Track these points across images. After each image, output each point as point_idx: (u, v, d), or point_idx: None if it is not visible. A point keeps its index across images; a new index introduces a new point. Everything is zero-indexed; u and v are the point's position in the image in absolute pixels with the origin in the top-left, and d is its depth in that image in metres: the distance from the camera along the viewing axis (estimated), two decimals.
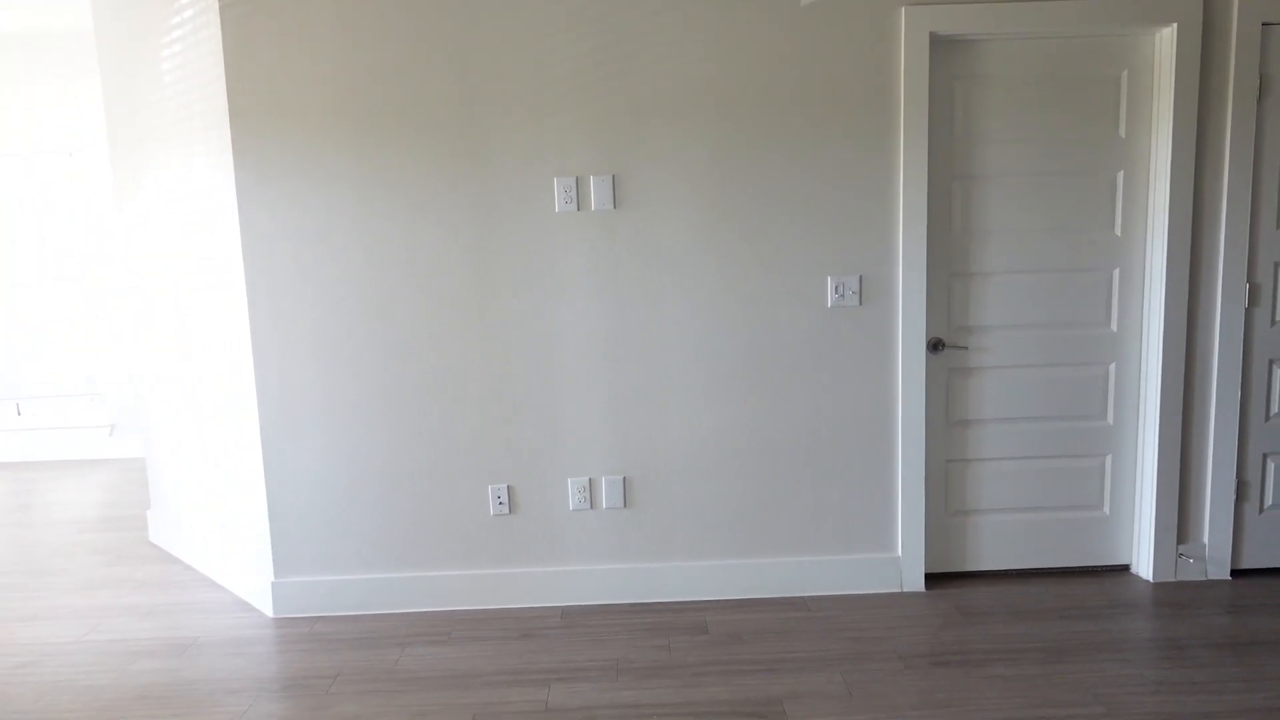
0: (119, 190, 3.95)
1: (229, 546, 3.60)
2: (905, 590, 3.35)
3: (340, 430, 3.23)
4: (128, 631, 3.23)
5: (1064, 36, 3.14)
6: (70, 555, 4.10)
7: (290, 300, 3.17)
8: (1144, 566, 3.40)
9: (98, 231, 5.91)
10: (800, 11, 3.05)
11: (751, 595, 3.34)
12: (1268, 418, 3.32)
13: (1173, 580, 3.37)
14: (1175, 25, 3.07)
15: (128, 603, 3.50)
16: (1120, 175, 3.23)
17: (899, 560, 3.33)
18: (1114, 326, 3.31)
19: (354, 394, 3.22)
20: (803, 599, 3.32)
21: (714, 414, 3.25)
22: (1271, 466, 3.34)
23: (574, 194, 3.13)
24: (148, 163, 3.65)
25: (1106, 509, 3.42)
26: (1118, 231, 3.26)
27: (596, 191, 3.12)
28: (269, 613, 3.33)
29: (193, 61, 3.22)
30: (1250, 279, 3.23)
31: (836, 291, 3.19)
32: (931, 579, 3.43)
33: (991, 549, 3.43)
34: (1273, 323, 3.26)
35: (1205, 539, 3.36)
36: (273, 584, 3.30)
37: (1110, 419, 3.36)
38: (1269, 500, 3.36)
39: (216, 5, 3.02)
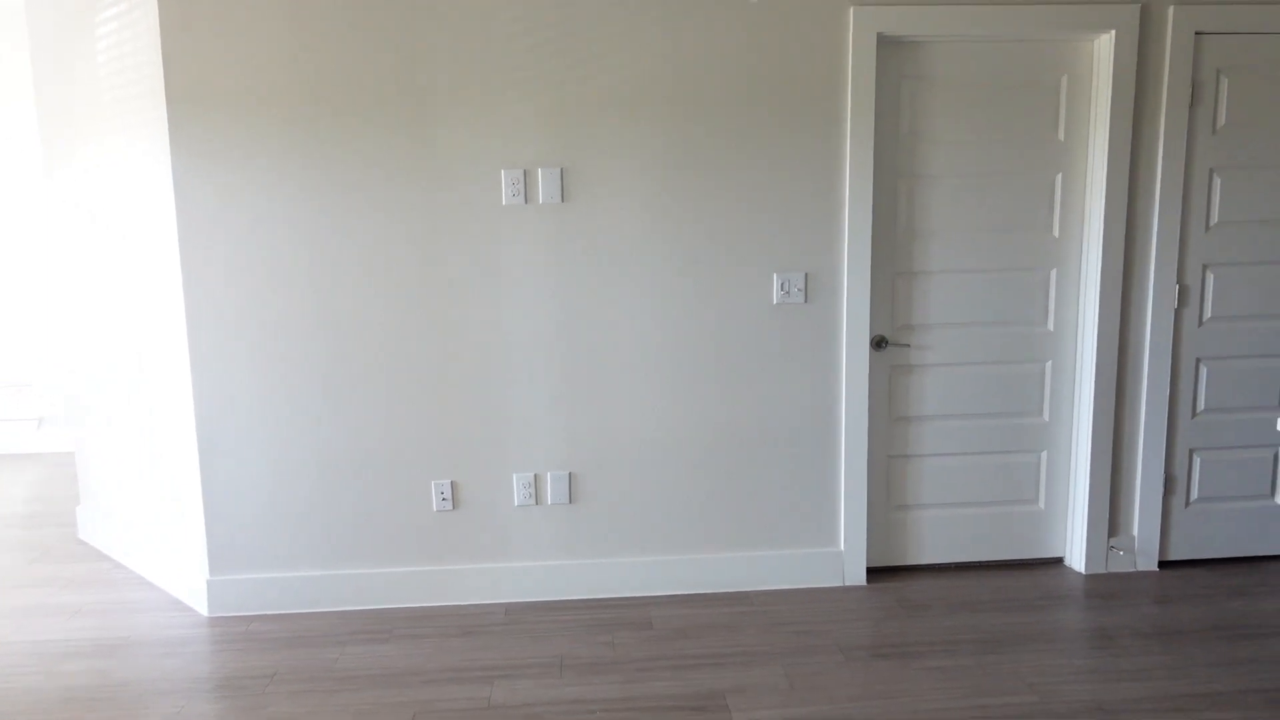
0: (49, 175, 3.80)
1: (162, 543, 3.50)
2: (847, 584, 3.39)
3: (279, 424, 3.16)
4: (55, 631, 3.13)
5: (1007, 40, 3.20)
6: None
7: (228, 290, 3.08)
8: (1077, 559, 3.49)
9: (28, 217, 5.69)
10: (751, 9, 3.06)
11: (696, 590, 3.36)
12: (1194, 414, 3.43)
13: (1104, 572, 3.47)
14: (1113, 32, 3.15)
15: (55, 602, 3.39)
16: (1059, 177, 3.30)
17: (841, 554, 3.38)
18: (1051, 325, 3.39)
19: (293, 387, 3.15)
20: (747, 594, 3.34)
21: (660, 409, 3.25)
22: (1198, 461, 3.46)
23: (522, 186, 3.10)
24: (80, 147, 3.52)
25: (1042, 503, 3.51)
26: (1055, 232, 3.33)
27: (545, 184, 3.10)
28: (204, 612, 3.25)
29: (128, 42, 3.11)
30: (1180, 280, 3.33)
31: (782, 288, 3.21)
32: (873, 573, 3.48)
33: (932, 543, 3.50)
34: (1200, 323, 3.37)
35: (1135, 531, 3.47)
36: (208, 582, 3.22)
37: (1046, 415, 3.45)
38: (1195, 494, 3.48)
39: None
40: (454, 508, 3.26)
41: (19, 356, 5.82)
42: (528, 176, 3.10)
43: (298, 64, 2.99)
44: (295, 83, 3.00)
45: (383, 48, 3.00)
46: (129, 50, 3.11)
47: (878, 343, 3.33)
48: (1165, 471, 3.44)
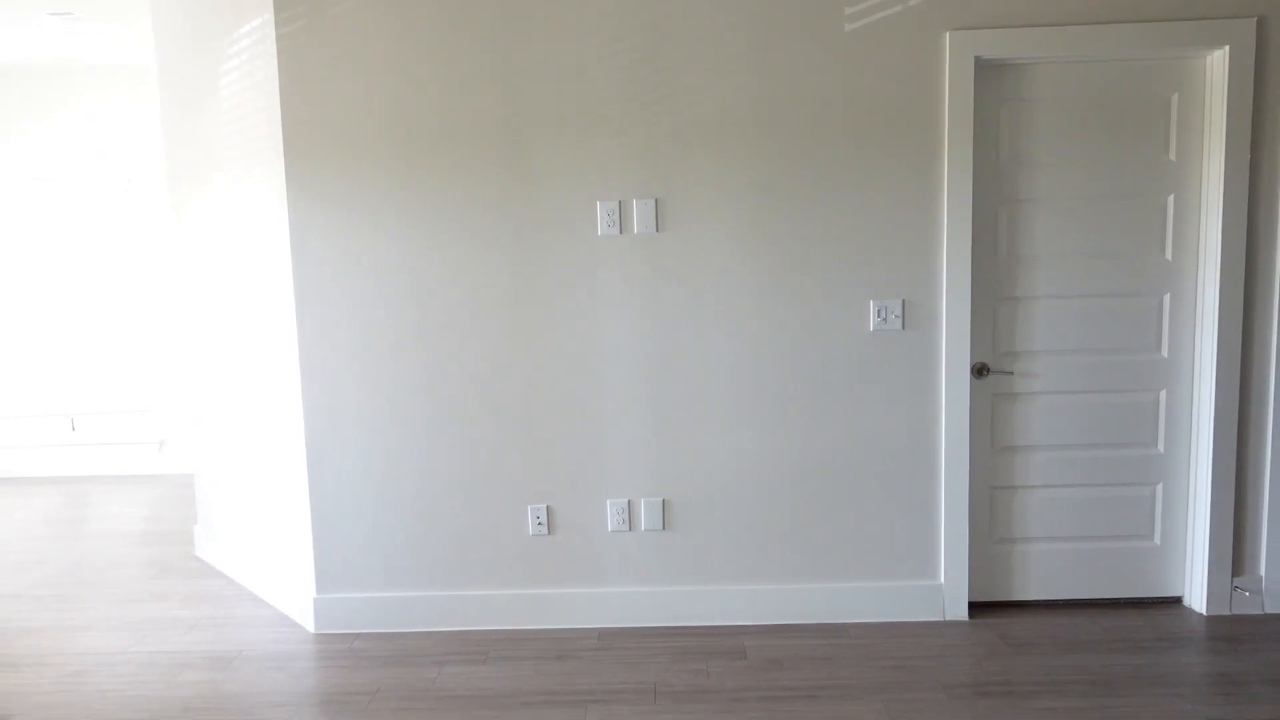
0: (175, 215, 4.07)
1: (272, 562, 3.65)
2: (948, 619, 3.29)
3: (383, 450, 3.28)
4: (173, 644, 3.29)
5: (1113, 60, 3.12)
6: (119, 568, 4.19)
7: (337, 322, 3.23)
8: (1197, 599, 3.30)
9: (153, 255, 6.09)
10: (845, 36, 3.06)
11: (791, 621, 3.30)
12: None
13: (1228, 614, 3.27)
14: (1227, 48, 3.03)
15: (173, 615, 3.56)
16: (1171, 199, 3.18)
17: (941, 588, 3.28)
18: (1165, 352, 3.24)
19: (397, 414, 3.26)
20: (843, 625, 3.27)
21: (754, 437, 3.24)
22: None
23: (617, 217, 3.16)
24: (203, 189, 3.75)
25: (1157, 539, 3.33)
26: (1168, 255, 3.20)
27: (639, 215, 3.15)
28: (310, 628, 3.37)
29: (248, 90, 3.32)
30: None
31: (879, 315, 3.17)
32: (975, 608, 3.36)
33: (1037, 578, 3.36)
34: None
35: (1262, 571, 3.26)
36: (314, 600, 3.34)
37: (1161, 446, 3.29)
38: None
39: (273, 36, 3.11)
40: (549, 532, 3.30)
41: (144, 383, 6.20)
42: (622, 207, 3.16)
43: (404, 106, 3.13)
44: (402, 124, 3.14)
45: (481, 88, 3.12)
46: (250, 99, 3.31)
47: (979, 370, 3.25)
48: None
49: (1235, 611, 3.27)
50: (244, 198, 3.46)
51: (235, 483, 3.89)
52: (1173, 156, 3.16)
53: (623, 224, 3.16)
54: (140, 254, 6.08)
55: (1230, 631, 3.14)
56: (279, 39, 3.11)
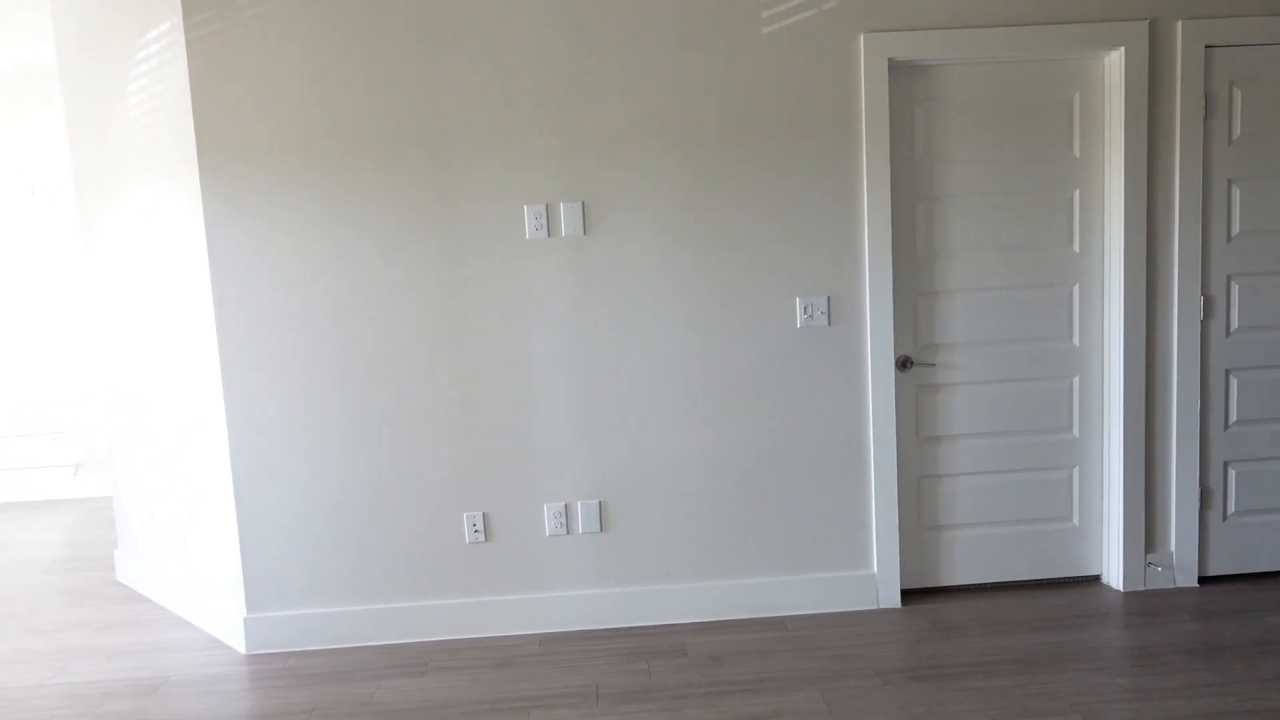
0: (84, 225, 3.92)
1: (199, 583, 3.54)
2: (882, 607, 3.37)
3: (312, 462, 3.21)
4: (96, 673, 3.16)
5: (1017, 61, 3.24)
6: (35, 596, 4.01)
7: (259, 334, 3.15)
8: (1114, 576, 3.45)
9: (61, 269, 5.84)
10: (762, 38, 3.12)
11: (729, 616, 3.35)
12: (1227, 426, 3.40)
13: (1142, 589, 3.42)
14: (1123, 49, 3.18)
15: (95, 643, 3.43)
16: (1076, 193, 3.32)
17: (874, 577, 3.36)
18: (1076, 341, 3.38)
19: (325, 426, 3.20)
20: (780, 619, 3.33)
21: (688, 436, 3.27)
22: (1233, 474, 3.42)
23: (544, 221, 3.16)
24: (114, 197, 3.62)
25: (1076, 520, 3.48)
26: (1076, 248, 3.34)
27: (567, 218, 3.15)
28: (241, 649, 3.28)
29: (159, 95, 3.22)
30: (1205, 291, 3.32)
31: (805, 312, 3.23)
32: (907, 595, 3.46)
33: (965, 563, 3.47)
34: (1228, 334, 3.36)
35: (1172, 547, 3.42)
36: (245, 620, 3.25)
37: (1076, 431, 3.43)
38: (1232, 507, 3.44)
39: (183, 40, 3.03)
40: (486, 539, 3.28)
41: (56, 404, 5.94)
42: (550, 211, 3.16)
43: (323, 110, 3.08)
44: (319, 130, 3.09)
45: (402, 92, 3.09)
46: (161, 105, 3.21)
47: (903, 363, 3.34)
48: (1201, 485, 3.41)
49: (1149, 586, 3.43)
50: (157, 209, 3.35)
51: (157, 504, 3.76)
52: (1077, 153, 3.30)
53: (550, 227, 3.16)
54: (47, 267, 5.83)
55: (1145, 606, 3.29)
56: (189, 44, 3.02)
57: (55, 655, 3.34)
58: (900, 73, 3.22)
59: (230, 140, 3.07)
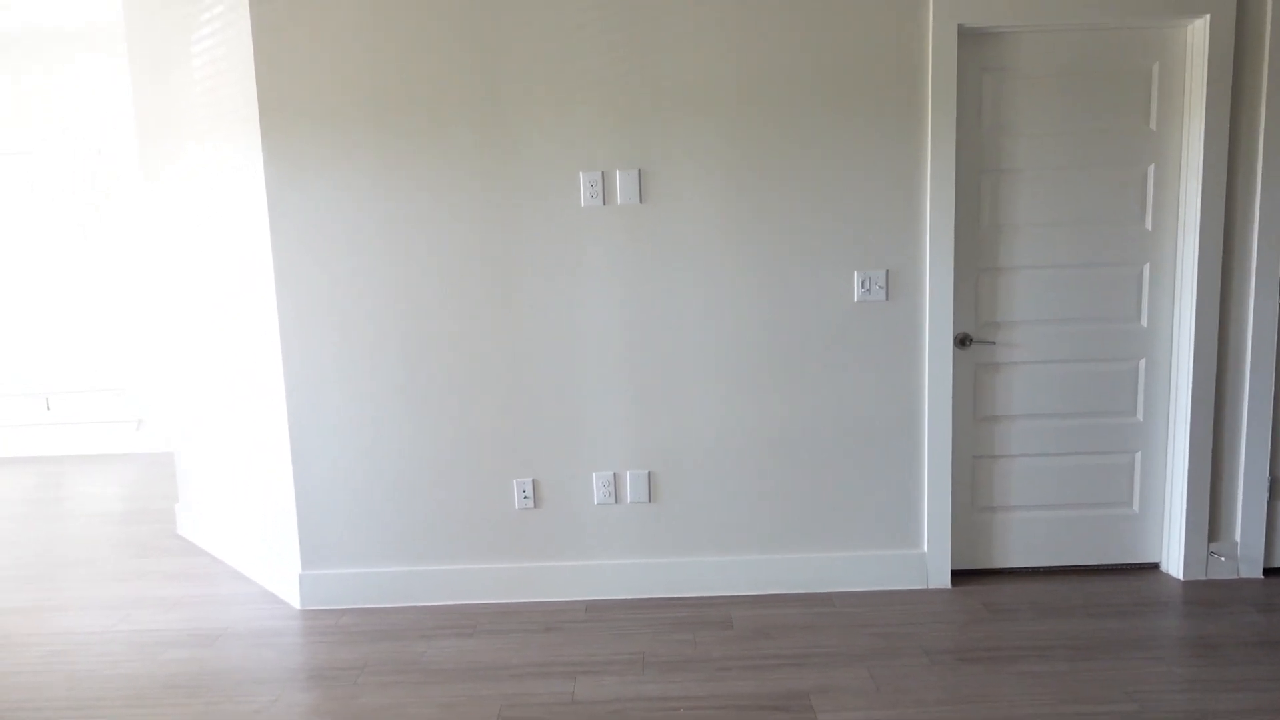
0: (148, 186, 3.99)
1: (256, 539, 3.63)
2: (931, 586, 3.33)
3: (367, 424, 3.25)
4: (156, 622, 3.27)
5: (1094, 28, 3.11)
6: (98, 547, 4.14)
7: (318, 294, 3.19)
8: (1174, 564, 3.36)
9: (125, 226, 5.98)
10: (826, 3, 3.03)
11: (776, 591, 3.33)
12: None
13: (1204, 578, 3.33)
14: (1208, 17, 3.03)
15: (156, 594, 3.54)
16: (1151, 169, 3.19)
17: (925, 556, 3.31)
18: (1144, 322, 3.27)
19: (380, 388, 3.23)
20: (828, 595, 3.30)
21: (739, 409, 3.24)
22: None
23: (600, 188, 3.13)
24: (177, 159, 3.68)
25: (1136, 506, 3.38)
26: (1148, 226, 3.22)
27: (623, 186, 3.12)
28: (296, 605, 3.36)
29: (223, 58, 3.24)
30: None
31: (863, 286, 3.17)
32: (957, 575, 3.41)
33: (1018, 546, 3.40)
34: None
35: (1237, 537, 3.32)
36: (300, 576, 3.33)
37: (1140, 415, 3.33)
38: None
39: (247, 1, 3.04)
40: (535, 506, 3.30)
41: (120, 361, 6.11)
42: (605, 178, 3.13)
43: (383, 74, 3.07)
44: (380, 92, 3.09)
45: (463, 55, 3.07)
46: (224, 67, 3.24)
47: (961, 340, 3.26)
48: (1270, 474, 3.29)
49: (1210, 576, 3.33)
50: (219, 168, 3.40)
51: (217, 460, 3.85)
52: (1153, 126, 3.17)
53: (606, 195, 3.14)
54: (112, 225, 5.97)
55: (1206, 596, 3.20)
56: (252, 4, 3.03)
57: (118, 604, 3.45)
58: (969, 40, 3.12)
59: (291, 101, 3.09)
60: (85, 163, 5.90)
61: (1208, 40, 3.04)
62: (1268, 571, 3.37)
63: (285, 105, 3.09)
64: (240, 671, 2.86)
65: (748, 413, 3.24)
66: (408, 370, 3.23)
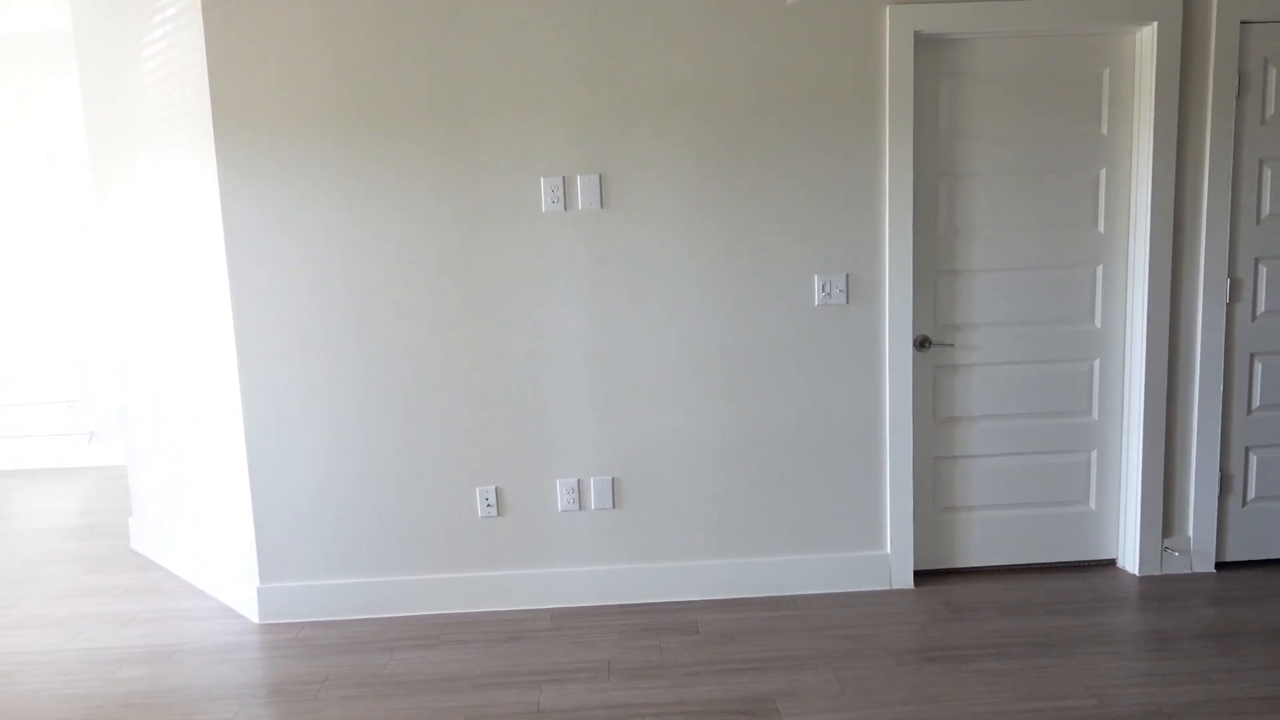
0: (99, 193, 3.90)
1: (213, 553, 3.56)
2: (894, 587, 3.36)
3: (326, 433, 3.21)
4: (110, 639, 3.19)
5: (1046, 35, 3.17)
6: (50, 563, 4.04)
7: (275, 303, 3.14)
8: (1130, 560, 3.42)
9: (76, 235, 5.85)
10: (785, 12, 3.06)
11: (742, 595, 3.34)
12: (1250, 411, 3.35)
13: (1158, 574, 3.39)
14: (1155, 24, 3.10)
15: (110, 610, 3.45)
16: (1103, 172, 3.26)
17: (888, 558, 3.34)
18: (1098, 323, 3.33)
19: (339, 397, 3.19)
20: (793, 598, 3.32)
21: (703, 413, 3.25)
22: (1254, 460, 3.38)
23: (561, 194, 3.12)
24: (128, 165, 3.60)
25: (1092, 504, 3.44)
26: (1101, 228, 3.29)
27: (584, 191, 3.12)
28: (254, 619, 3.30)
29: (174, 61, 3.18)
30: (1231, 274, 3.27)
31: (824, 290, 3.19)
32: (920, 576, 3.44)
33: (979, 545, 3.45)
34: (1254, 318, 3.30)
35: (1190, 532, 3.39)
36: (258, 589, 3.27)
37: (1095, 414, 3.39)
38: (1252, 493, 3.40)
39: (199, 4, 2.99)
40: (498, 514, 3.28)
41: (70, 372, 5.97)
42: (566, 183, 3.12)
43: (339, 78, 3.04)
44: (336, 98, 3.05)
45: (420, 61, 3.04)
46: (176, 70, 3.18)
47: (921, 343, 3.30)
48: (1221, 470, 3.37)
49: (1165, 571, 3.40)
50: (172, 175, 3.33)
51: (172, 473, 3.77)
52: (1105, 131, 3.24)
53: (567, 200, 3.13)
54: (62, 234, 5.83)
55: (1161, 590, 3.26)
56: (205, 8, 2.98)
57: (72, 621, 3.37)
58: (926, 46, 3.16)
59: (246, 106, 3.04)
60: (34, 169, 5.77)
61: (1155, 47, 3.11)
62: (1219, 565, 3.45)
63: (239, 110, 3.04)
64: (198, 688, 2.80)
65: (711, 417, 3.25)
66: (366, 379, 3.19)
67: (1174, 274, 3.25)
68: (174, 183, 3.33)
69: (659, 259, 3.17)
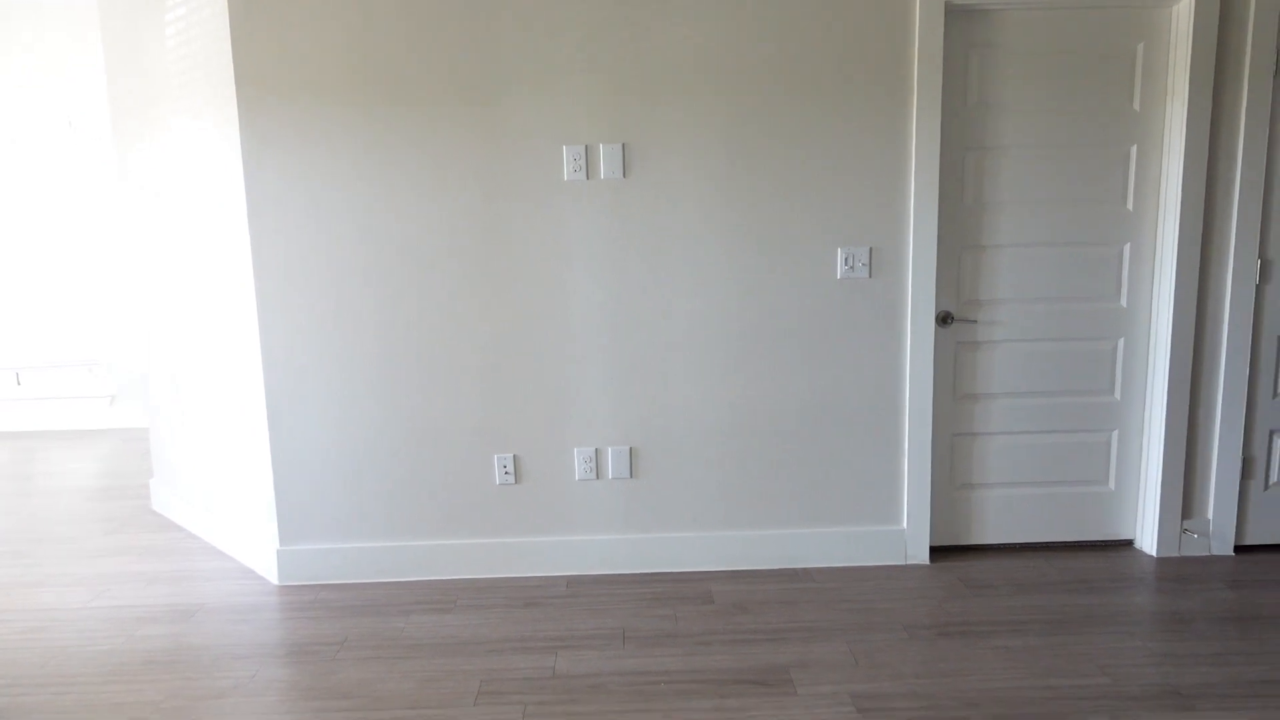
0: (121, 158, 3.91)
1: (234, 514, 3.60)
2: (910, 563, 3.36)
3: (346, 398, 3.22)
4: (133, 598, 3.24)
5: (1080, 7, 3.11)
6: (73, 523, 4.10)
7: (296, 267, 3.14)
8: (1148, 541, 3.40)
9: (100, 200, 5.87)
10: None
11: (757, 566, 3.35)
12: (1275, 394, 3.31)
13: (1176, 555, 3.38)
14: None
15: (132, 570, 3.50)
16: (1134, 149, 3.20)
17: (904, 533, 3.34)
18: (1124, 301, 3.30)
19: (359, 362, 3.20)
20: (808, 570, 3.32)
21: (722, 385, 3.24)
22: (1278, 443, 3.34)
23: (583, 162, 3.10)
24: (151, 130, 3.61)
25: (1112, 484, 3.42)
26: (1130, 206, 3.24)
27: (606, 160, 3.10)
28: (274, 580, 3.33)
29: (196, 26, 3.17)
30: (1262, 255, 3.22)
31: (846, 263, 3.17)
32: (936, 552, 3.44)
33: (996, 523, 3.44)
34: None
35: (1210, 515, 3.37)
36: (278, 551, 3.30)
37: (1118, 394, 3.36)
38: (1274, 477, 3.37)
39: None
40: (516, 481, 3.29)
41: (92, 335, 6.02)
42: (589, 152, 3.10)
43: (362, 45, 3.02)
44: (358, 64, 3.03)
45: (443, 27, 3.02)
46: (197, 35, 3.17)
47: (943, 318, 3.27)
48: (1243, 453, 3.33)
49: (1184, 553, 3.38)
50: (195, 140, 3.33)
51: (193, 435, 3.80)
52: (1137, 106, 3.18)
53: (589, 169, 3.11)
54: (85, 198, 5.86)
55: (1178, 572, 3.25)
56: None
57: (95, 580, 3.42)
58: (956, 17, 3.10)
59: (268, 74, 3.03)
60: (57, 134, 5.78)
61: (1191, 23, 3.05)
62: (1239, 549, 3.42)
63: (262, 76, 3.03)
64: (218, 647, 2.84)
65: (730, 389, 3.24)
66: (387, 345, 3.19)
67: (1203, 254, 3.20)
68: (196, 150, 3.33)
69: (681, 228, 3.15)
